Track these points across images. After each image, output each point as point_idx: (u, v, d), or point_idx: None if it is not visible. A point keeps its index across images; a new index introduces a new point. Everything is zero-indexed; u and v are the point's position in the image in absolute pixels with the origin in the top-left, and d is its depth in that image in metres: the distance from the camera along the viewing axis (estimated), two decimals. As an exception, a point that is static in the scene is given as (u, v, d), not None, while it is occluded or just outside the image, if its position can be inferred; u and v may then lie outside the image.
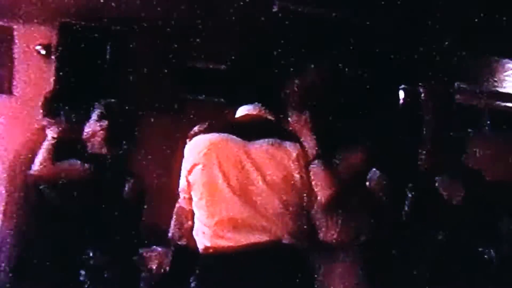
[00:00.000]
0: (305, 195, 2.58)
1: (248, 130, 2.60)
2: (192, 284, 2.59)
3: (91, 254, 3.37)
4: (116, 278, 3.38)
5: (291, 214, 2.55)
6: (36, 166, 3.52)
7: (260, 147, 2.57)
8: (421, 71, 8.25)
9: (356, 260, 3.51)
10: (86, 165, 3.42)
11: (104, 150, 3.53)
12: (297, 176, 2.57)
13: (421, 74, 8.32)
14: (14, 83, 6.48)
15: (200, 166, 2.58)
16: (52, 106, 3.79)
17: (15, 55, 6.49)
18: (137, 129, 3.70)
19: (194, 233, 2.63)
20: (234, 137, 2.58)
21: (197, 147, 2.61)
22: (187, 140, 2.68)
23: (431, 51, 7.83)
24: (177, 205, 3.26)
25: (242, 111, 2.69)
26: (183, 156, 2.68)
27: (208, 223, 2.56)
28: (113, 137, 3.53)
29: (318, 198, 2.59)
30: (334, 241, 2.64)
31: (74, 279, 3.38)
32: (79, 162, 3.45)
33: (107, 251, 3.39)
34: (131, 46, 6.65)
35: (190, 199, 2.65)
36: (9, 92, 6.50)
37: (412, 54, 7.71)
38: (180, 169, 2.68)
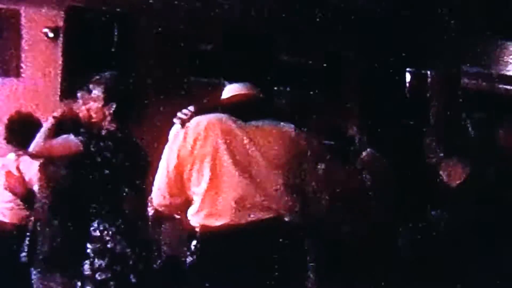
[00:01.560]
0: (301, 173, 2.66)
1: (245, 111, 2.65)
2: (191, 262, 2.63)
3: (97, 226, 3.42)
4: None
5: (290, 192, 2.63)
6: (31, 144, 3.61)
7: (258, 128, 2.63)
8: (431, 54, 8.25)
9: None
10: (79, 139, 3.44)
11: (113, 126, 3.56)
12: (293, 155, 2.64)
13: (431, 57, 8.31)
14: (22, 65, 6.51)
15: (204, 146, 2.60)
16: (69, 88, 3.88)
17: (23, 38, 6.51)
18: (141, 102, 3.75)
19: (191, 211, 2.65)
20: (234, 118, 2.63)
21: (199, 128, 2.62)
22: (179, 122, 2.63)
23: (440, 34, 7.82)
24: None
25: (231, 90, 2.70)
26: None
27: (212, 201, 2.60)
28: (122, 114, 3.56)
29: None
30: (321, 214, 2.79)
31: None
32: (72, 136, 3.47)
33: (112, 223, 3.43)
34: (138, 28, 6.67)
35: (181, 188, 2.65)
36: (17, 74, 6.54)
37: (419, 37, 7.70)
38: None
